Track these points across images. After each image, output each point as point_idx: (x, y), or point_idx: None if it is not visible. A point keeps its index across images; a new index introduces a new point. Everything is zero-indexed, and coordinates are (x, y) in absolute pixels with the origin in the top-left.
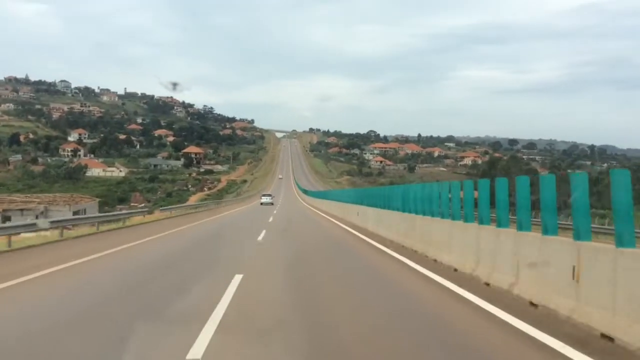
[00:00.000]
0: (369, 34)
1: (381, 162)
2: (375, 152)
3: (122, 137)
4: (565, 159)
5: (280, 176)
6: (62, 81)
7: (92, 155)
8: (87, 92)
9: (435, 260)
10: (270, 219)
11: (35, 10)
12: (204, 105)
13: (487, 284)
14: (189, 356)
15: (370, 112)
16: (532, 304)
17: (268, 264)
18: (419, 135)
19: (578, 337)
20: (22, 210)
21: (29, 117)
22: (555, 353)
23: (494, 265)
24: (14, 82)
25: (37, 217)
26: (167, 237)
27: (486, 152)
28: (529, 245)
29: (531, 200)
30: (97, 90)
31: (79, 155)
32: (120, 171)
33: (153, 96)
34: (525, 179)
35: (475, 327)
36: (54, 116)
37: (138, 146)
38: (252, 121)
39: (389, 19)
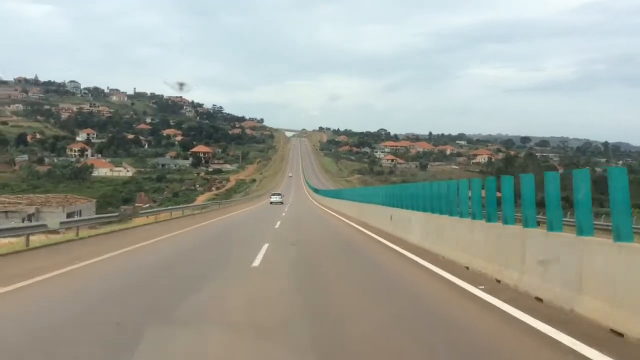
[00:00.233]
0: (378, 32)
1: (392, 160)
2: (386, 150)
3: (131, 136)
4: (580, 156)
5: (290, 174)
6: (71, 81)
7: (99, 155)
8: (96, 93)
9: None
10: (277, 224)
11: (43, 11)
12: (213, 105)
13: None
14: None
15: (380, 111)
16: None
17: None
18: (430, 134)
19: None
20: (6, 212)
21: (38, 117)
22: None
23: None
24: (24, 83)
25: (23, 220)
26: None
27: (499, 150)
28: None
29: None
30: (106, 91)
31: (86, 155)
32: (128, 171)
33: (162, 96)
34: (554, 174)
35: None
36: (62, 116)
37: (146, 146)
38: (262, 120)
39: (398, 18)
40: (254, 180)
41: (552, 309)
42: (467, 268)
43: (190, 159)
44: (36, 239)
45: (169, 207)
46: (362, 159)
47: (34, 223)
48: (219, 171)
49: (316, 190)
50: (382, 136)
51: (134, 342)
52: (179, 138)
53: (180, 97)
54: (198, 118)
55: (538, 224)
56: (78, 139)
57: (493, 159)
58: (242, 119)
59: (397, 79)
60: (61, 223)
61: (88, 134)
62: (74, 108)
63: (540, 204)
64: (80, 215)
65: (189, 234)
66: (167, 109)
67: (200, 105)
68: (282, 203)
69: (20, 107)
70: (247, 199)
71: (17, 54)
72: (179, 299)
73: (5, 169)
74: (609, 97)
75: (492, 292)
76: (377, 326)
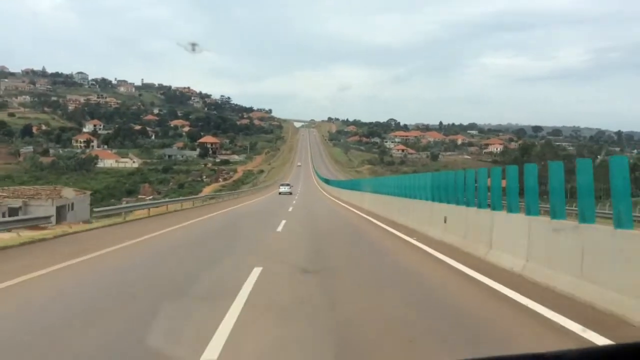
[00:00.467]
0: (387, 22)
1: (403, 150)
2: (397, 140)
3: (137, 127)
4: (593, 145)
5: (299, 163)
6: (79, 73)
7: (105, 147)
8: (104, 84)
9: None
10: (280, 227)
11: (52, 3)
12: (221, 96)
13: None
14: None
15: (389, 101)
16: None
17: None
18: (440, 123)
19: None
20: None
21: (45, 109)
22: None
23: None
24: (31, 75)
25: (4, 215)
26: None
27: (511, 140)
28: None
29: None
30: (114, 82)
31: (92, 146)
32: (134, 162)
33: (170, 87)
34: (587, 161)
35: None
36: (70, 108)
37: (153, 137)
38: (270, 111)
39: (408, 7)
40: (262, 171)
41: None
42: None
43: (198, 149)
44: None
45: (160, 201)
46: (372, 149)
47: None
48: (226, 162)
49: (327, 181)
50: (391, 126)
51: (217, 261)
52: (186, 129)
53: (188, 87)
54: (206, 109)
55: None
56: (85, 130)
57: (507, 149)
58: (250, 110)
59: (407, 68)
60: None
61: (95, 125)
62: (82, 99)
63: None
64: (72, 209)
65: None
66: (175, 99)
67: (209, 96)
68: (291, 193)
69: (28, 98)
70: (252, 190)
71: (26, 46)
72: None
73: (10, 160)
74: (622, 85)
75: None
76: None
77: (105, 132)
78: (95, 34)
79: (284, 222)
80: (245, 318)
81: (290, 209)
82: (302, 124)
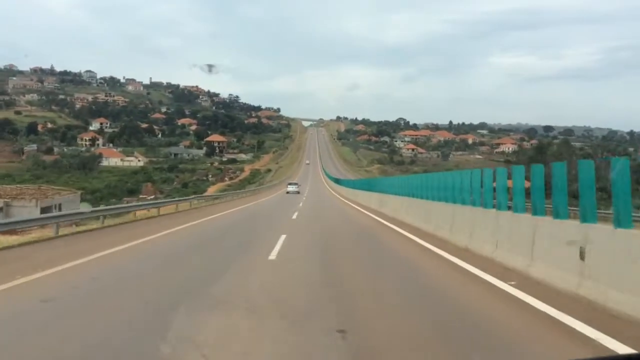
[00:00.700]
0: (397, 22)
1: (413, 149)
2: (406, 139)
3: (144, 126)
4: (607, 145)
5: (307, 161)
6: (87, 71)
7: (111, 145)
8: (112, 82)
9: None
10: (274, 252)
11: (62, 1)
12: (229, 94)
13: None
14: None
15: (398, 101)
16: None
17: None
18: (450, 123)
19: None
20: None
21: (53, 107)
22: None
23: None
24: (39, 73)
25: None
26: None
27: (522, 139)
28: None
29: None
30: (122, 80)
31: (97, 145)
32: (139, 160)
33: (178, 85)
34: (623, 162)
35: None
36: (77, 106)
37: (160, 135)
38: (278, 110)
39: (417, 6)
40: (269, 170)
41: None
42: None
43: (204, 148)
44: None
45: (145, 203)
46: (381, 149)
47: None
48: (233, 161)
49: (337, 181)
50: (400, 125)
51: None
52: (193, 127)
53: (197, 86)
54: (214, 107)
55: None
56: (91, 128)
57: (522, 148)
58: (259, 109)
59: (417, 68)
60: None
61: (101, 124)
62: (89, 98)
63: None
64: (59, 210)
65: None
66: (183, 98)
67: (217, 95)
68: (298, 192)
69: (35, 96)
70: (258, 190)
71: (35, 44)
72: None
73: (14, 158)
74: (633, 84)
75: None
76: None
77: (111, 130)
78: (104, 33)
79: (282, 238)
80: None
81: (295, 215)
82: (311, 122)
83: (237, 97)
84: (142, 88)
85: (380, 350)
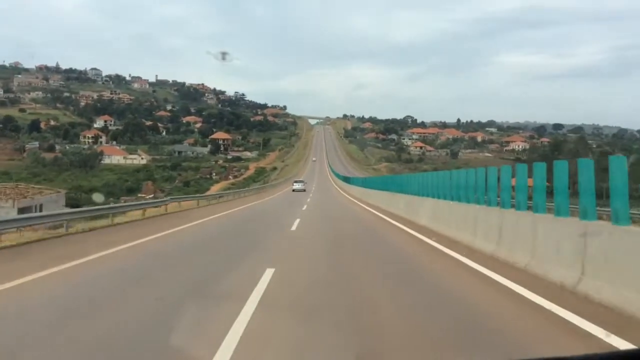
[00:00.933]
0: (404, 20)
1: (421, 147)
2: (414, 137)
3: (149, 123)
4: (618, 142)
5: (314, 158)
6: (92, 69)
7: (114, 142)
8: (117, 80)
9: None
10: (254, 301)
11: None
12: (235, 92)
13: None
14: None
15: (405, 99)
16: None
17: None
18: (458, 120)
19: None
20: None
21: (58, 105)
22: None
23: None
24: (45, 71)
25: None
26: None
27: (532, 137)
28: None
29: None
30: (128, 78)
31: (100, 142)
32: (142, 158)
33: (184, 83)
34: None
35: None
36: (82, 104)
37: (164, 133)
38: (285, 108)
39: (425, 5)
40: (275, 169)
41: None
42: None
43: (209, 146)
44: None
45: (132, 203)
46: (389, 147)
47: None
48: (238, 159)
49: (347, 179)
50: (408, 123)
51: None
52: (198, 125)
53: (202, 84)
54: (220, 105)
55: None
56: (95, 126)
57: (534, 146)
58: (265, 106)
59: (424, 66)
60: None
61: (105, 121)
62: (94, 95)
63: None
64: (40, 210)
65: None
66: (189, 96)
67: (223, 93)
68: (304, 190)
69: (40, 94)
70: (263, 189)
71: (43, 43)
72: None
73: (15, 156)
74: None
75: None
76: None
77: (115, 128)
78: (111, 31)
79: (269, 274)
80: None
81: (296, 224)
82: (317, 120)
83: (243, 95)
84: (147, 86)
85: None
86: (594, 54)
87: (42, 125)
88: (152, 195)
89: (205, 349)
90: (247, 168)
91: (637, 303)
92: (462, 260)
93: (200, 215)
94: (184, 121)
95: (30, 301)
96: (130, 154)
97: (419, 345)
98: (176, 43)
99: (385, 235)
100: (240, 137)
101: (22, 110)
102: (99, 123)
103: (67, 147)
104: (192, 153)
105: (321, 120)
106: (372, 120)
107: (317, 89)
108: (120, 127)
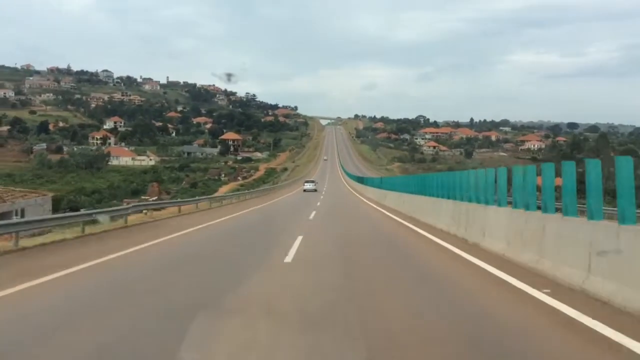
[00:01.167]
0: (415, 20)
1: (435, 147)
2: (427, 137)
3: (159, 124)
4: (637, 141)
5: (325, 157)
6: (104, 71)
7: (122, 144)
8: (129, 82)
9: None
10: None
11: (80, 2)
12: (246, 93)
13: None
14: None
15: (417, 99)
16: None
17: None
18: (472, 120)
19: None
20: None
21: (69, 106)
22: None
23: None
24: (56, 73)
25: None
26: None
27: (547, 136)
28: None
29: None
30: (139, 80)
31: (109, 144)
32: (151, 159)
33: (195, 84)
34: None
35: None
36: (92, 105)
37: (174, 134)
38: (296, 108)
39: (435, 4)
40: (285, 169)
41: None
42: None
43: (219, 146)
44: None
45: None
46: (401, 147)
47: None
48: (248, 159)
49: (361, 180)
50: (420, 123)
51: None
52: (209, 126)
53: (213, 85)
54: (230, 106)
55: None
56: (105, 127)
57: (554, 144)
58: (276, 107)
59: (435, 66)
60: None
61: (115, 122)
62: (105, 97)
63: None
64: (22, 216)
65: None
66: (200, 97)
67: (234, 94)
68: (315, 190)
69: (51, 96)
70: (265, 191)
71: (54, 45)
72: None
73: (22, 158)
74: None
75: None
76: None
77: (124, 129)
78: (122, 33)
79: None
80: None
81: (296, 245)
82: (329, 121)
83: (254, 95)
84: (159, 87)
85: None
86: (605, 52)
87: (51, 126)
88: (155, 197)
89: None
90: (257, 169)
91: None
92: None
93: (171, 230)
94: (194, 122)
95: None
96: (139, 155)
97: None
98: (187, 44)
99: (457, 281)
100: (250, 138)
101: (32, 112)
102: (108, 124)
103: (75, 149)
104: (202, 154)
105: (332, 121)
106: (384, 120)
107: (328, 89)
108: (129, 129)
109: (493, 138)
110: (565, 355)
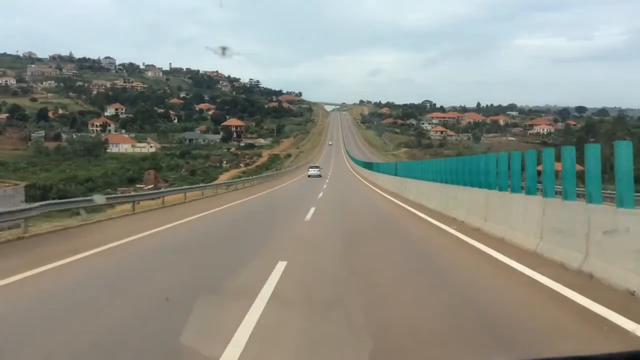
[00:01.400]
0: (421, 4)
1: (442, 132)
2: (434, 122)
3: (160, 111)
4: None
5: (330, 142)
6: (106, 58)
7: (123, 131)
8: (131, 69)
9: None
10: None
11: None
12: (250, 79)
13: None
14: None
15: (423, 85)
16: None
17: None
18: (478, 104)
19: None
20: None
21: (70, 94)
22: None
23: None
24: (58, 60)
25: None
26: None
27: (556, 120)
28: None
29: None
30: (141, 67)
31: (109, 131)
32: (151, 146)
33: (198, 71)
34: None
35: None
36: (94, 92)
37: (176, 120)
38: (300, 94)
39: None
40: (289, 156)
41: None
42: None
43: (221, 133)
44: None
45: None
46: (408, 132)
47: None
48: (251, 146)
49: (369, 166)
50: (427, 108)
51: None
52: (211, 112)
53: (217, 72)
54: (234, 93)
55: None
56: (106, 114)
57: (566, 128)
58: (280, 93)
59: (440, 51)
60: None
61: (117, 109)
62: (107, 84)
63: None
64: None
65: None
66: (203, 84)
67: (237, 80)
68: (320, 176)
69: (53, 83)
70: (268, 177)
71: (56, 32)
72: None
73: (20, 145)
74: None
75: None
76: None
77: (125, 116)
78: (125, 20)
79: None
80: None
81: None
82: (333, 107)
83: (257, 82)
84: (161, 74)
85: None
86: (613, 35)
87: (50, 114)
88: (151, 186)
89: None
90: (259, 155)
91: None
92: None
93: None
94: (197, 109)
95: None
96: (139, 142)
97: None
98: (191, 31)
99: None
100: (254, 124)
101: (33, 100)
102: (110, 111)
103: (74, 136)
104: (204, 140)
105: (337, 107)
106: (390, 105)
107: (332, 75)
108: (130, 115)
109: (501, 122)
110: None
